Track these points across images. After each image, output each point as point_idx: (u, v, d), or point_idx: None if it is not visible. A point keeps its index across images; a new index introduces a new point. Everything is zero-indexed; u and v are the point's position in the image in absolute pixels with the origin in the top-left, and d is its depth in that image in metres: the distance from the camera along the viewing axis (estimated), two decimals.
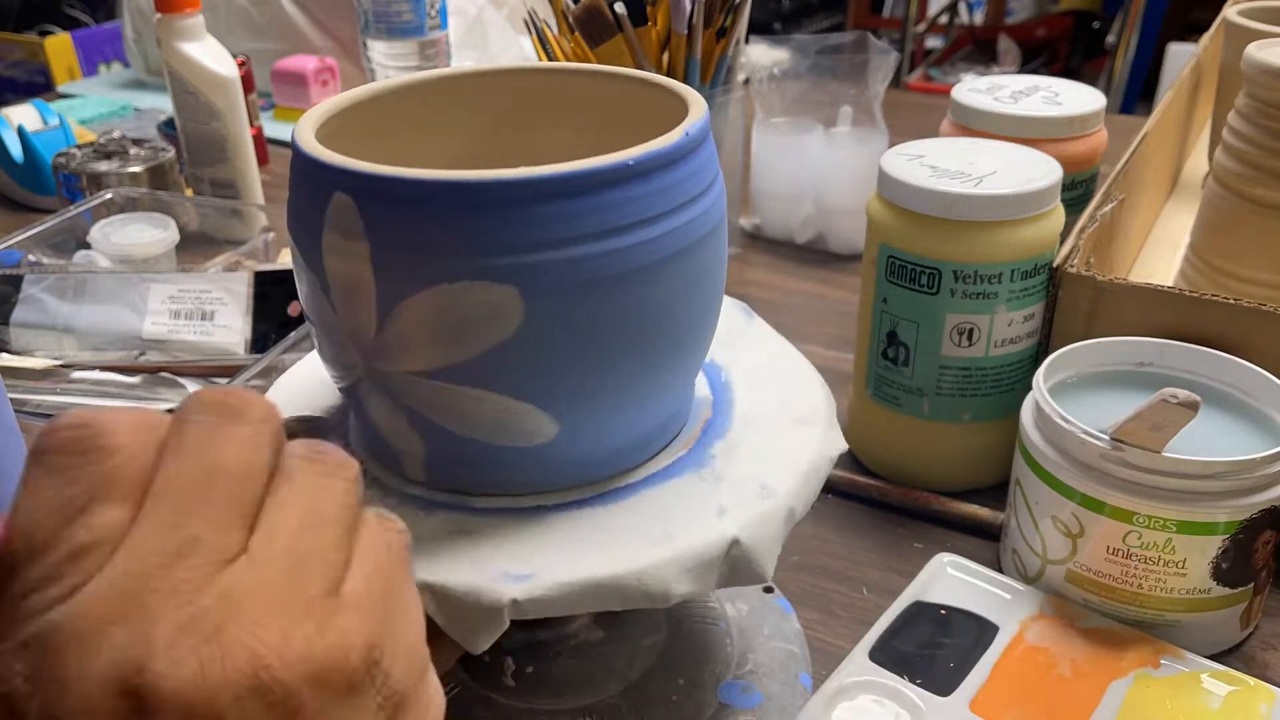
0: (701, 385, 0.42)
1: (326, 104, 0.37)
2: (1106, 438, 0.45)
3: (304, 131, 0.34)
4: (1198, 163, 0.98)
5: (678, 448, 0.38)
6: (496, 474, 0.36)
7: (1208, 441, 0.47)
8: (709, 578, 0.33)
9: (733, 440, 0.39)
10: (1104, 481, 0.45)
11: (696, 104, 0.35)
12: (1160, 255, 0.81)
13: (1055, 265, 0.53)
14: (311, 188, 0.33)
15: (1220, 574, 0.46)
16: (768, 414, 0.40)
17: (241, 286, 0.69)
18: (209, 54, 0.86)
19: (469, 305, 0.31)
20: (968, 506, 0.56)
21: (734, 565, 0.34)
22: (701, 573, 0.33)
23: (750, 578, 0.34)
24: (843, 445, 0.40)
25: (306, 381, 0.43)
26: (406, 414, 0.34)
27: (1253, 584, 0.47)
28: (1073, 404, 0.49)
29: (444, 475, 0.36)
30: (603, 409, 0.35)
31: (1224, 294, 0.52)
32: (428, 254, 0.31)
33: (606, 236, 0.31)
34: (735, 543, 0.34)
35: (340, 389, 0.37)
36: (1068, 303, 0.54)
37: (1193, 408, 0.42)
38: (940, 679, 0.44)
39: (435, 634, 0.33)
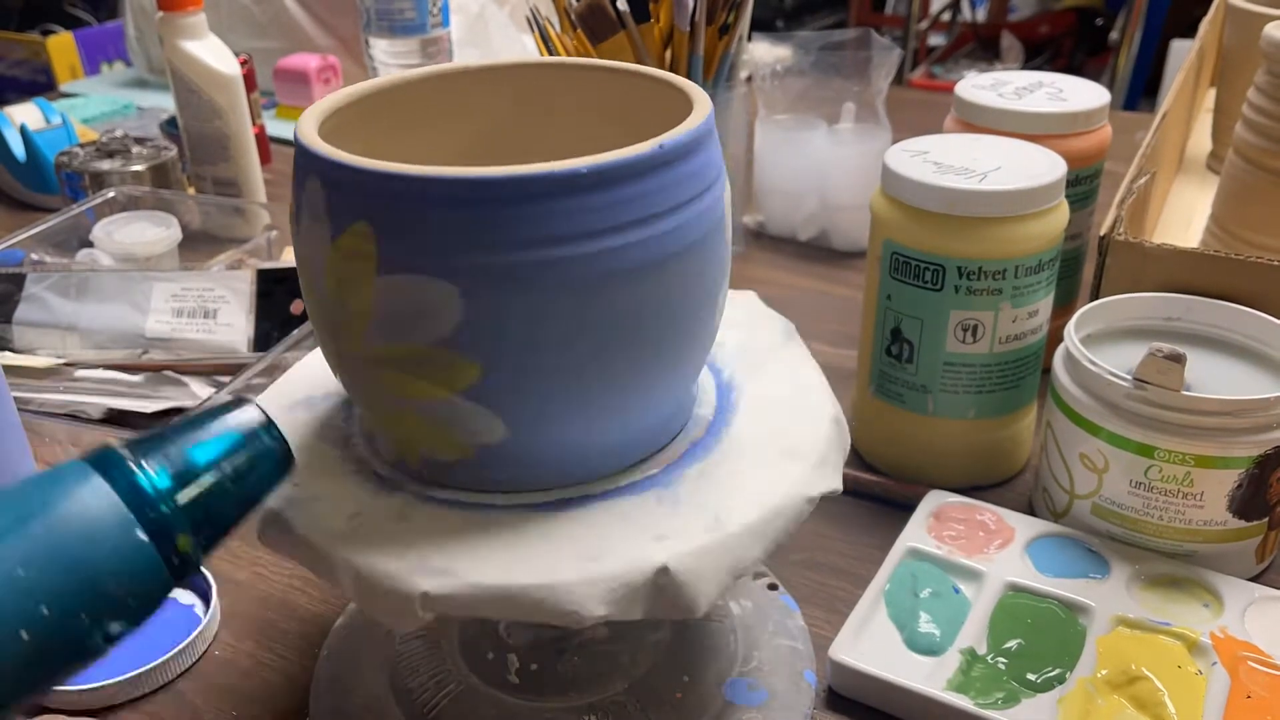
0: (708, 404, 0.41)
1: (330, 99, 0.37)
2: (1130, 378, 0.48)
3: (306, 118, 0.35)
4: (1200, 142, 1.01)
5: (652, 465, 0.37)
6: (454, 469, 0.36)
7: (1229, 387, 0.50)
8: (632, 603, 0.32)
9: (710, 465, 0.37)
10: (1127, 419, 0.48)
11: (701, 100, 0.35)
12: (1175, 227, 0.84)
13: (1103, 234, 0.56)
14: (296, 173, 0.34)
15: (1236, 507, 0.49)
16: (758, 444, 0.38)
17: (244, 285, 0.69)
18: (211, 52, 0.86)
19: (410, 299, 0.31)
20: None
21: (661, 594, 0.32)
22: (623, 597, 0.32)
23: (679, 609, 0.32)
24: (834, 485, 0.37)
25: (309, 377, 0.43)
26: (367, 398, 0.35)
27: (1267, 519, 0.50)
28: (1102, 353, 0.52)
29: (408, 462, 0.37)
30: (554, 415, 0.33)
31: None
32: (376, 244, 0.31)
33: (553, 244, 0.30)
34: (663, 571, 0.32)
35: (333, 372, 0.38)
36: (1115, 269, 0.56)
37: (1178, 359, 0.46)
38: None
39: None
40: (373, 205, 0.31)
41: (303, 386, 0.43)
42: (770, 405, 0.40)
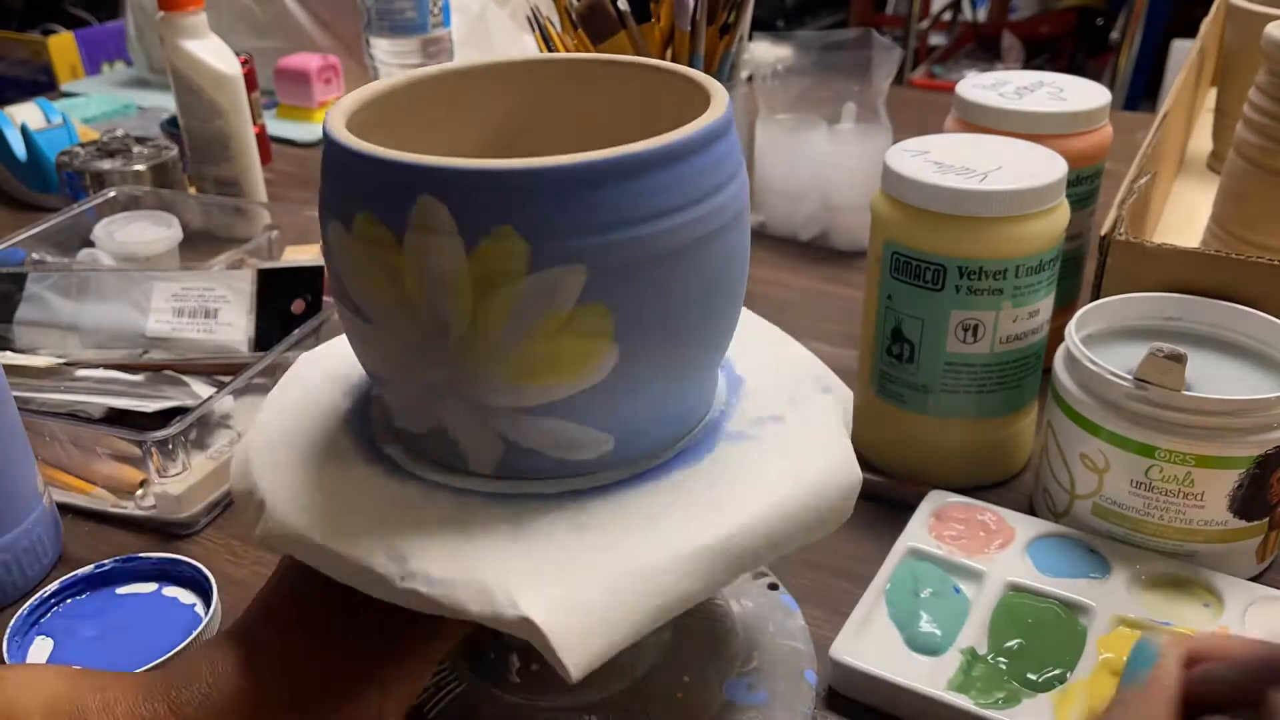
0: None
1: (350, 99, 0.36)
2: (1130, 378, 0.48)
3: (349, 134, 0.33)
4: (1201, 142, 1.02)
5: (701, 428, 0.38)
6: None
7: (1229, 387, 0.50)
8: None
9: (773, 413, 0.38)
10: (1128, 419, 0.48)
11: (718, 91, 0.35)
12: (1176, 227, 0.84)
13: (1104, 234, 0.56)
14: (385, 191, 0.31)
15: (1237, 507, 0.49)
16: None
17: (245, 284, 0.69)
18: (212, 52, 0.86)
19: (559, 288, 0.31)
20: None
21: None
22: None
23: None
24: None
25: (311, 379, 0.43)
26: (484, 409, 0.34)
27: (1268, 518, 0.50)
28: (1103, 353, 0.52)
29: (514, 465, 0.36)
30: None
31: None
32: (527, 241, 0.30)
33: (670, 214, 0.31)
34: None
35: (401, 396, 0.36)
36: (1116, 269, 0.56)
37: (1179, 359, 0.46)
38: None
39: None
40: (518, 204, 0.30)
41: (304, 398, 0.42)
42: (766, 370, 0.41)
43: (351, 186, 0.32)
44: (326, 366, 0.43)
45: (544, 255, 0.30)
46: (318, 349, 0.45)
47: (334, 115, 0.34)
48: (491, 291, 0.31)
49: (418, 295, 0.32)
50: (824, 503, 0.35)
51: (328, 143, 0.33)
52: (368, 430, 0.39)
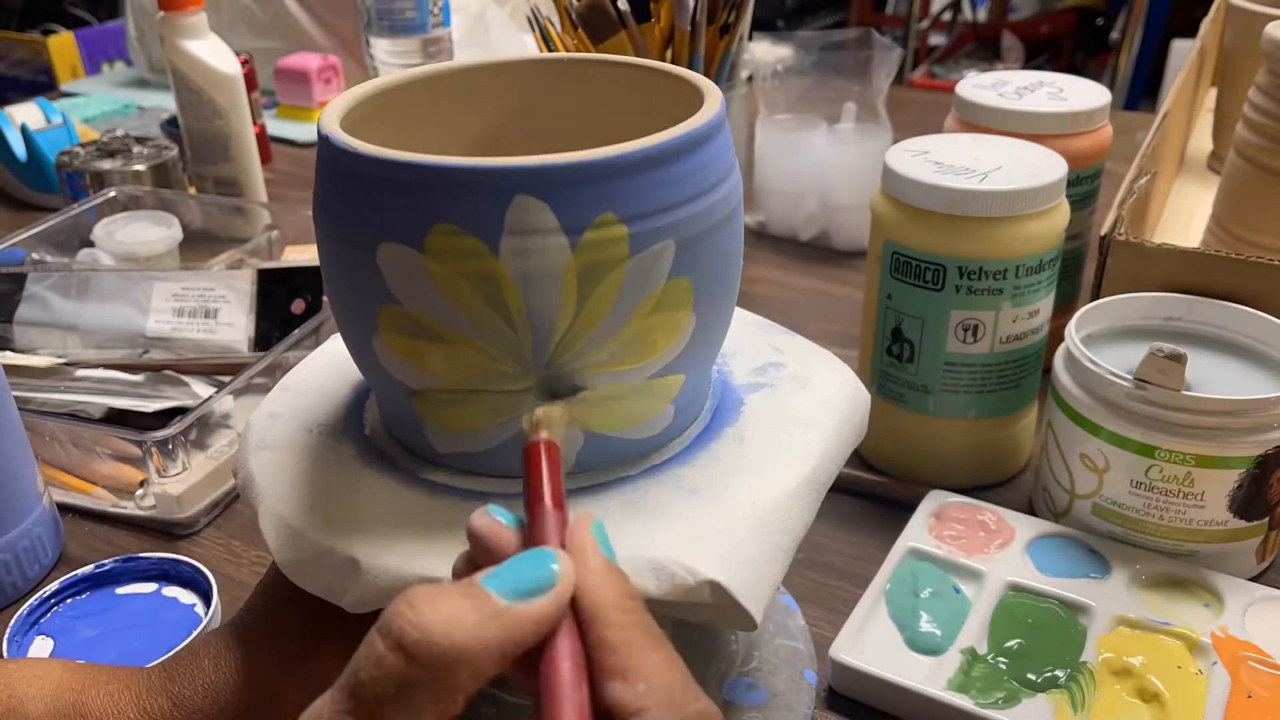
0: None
1: (345, 99, 0.36)
2: (1130, 378, 0.48)
3: (368, 146, 0.31)
4: (1201, 142, 1.01)
5: (707, 417, 0.39)
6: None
7: (1230, 387, 0.50)
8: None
9: (761, 400, 0.39)
10: (1128, 419, 0.48)
11: (710, 90, 0.35)
12: (1176, 227, 0.84)
13: (1104, 234, 0.56)
14: (471, 198, 0.30)
15: (1237, 507, 0.49)
16: (789, 380, 0.40)
17: (245, 284, 0.69)
18: (212, 52, 0.86)
19: (656, 266, 0.32)
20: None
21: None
22: None
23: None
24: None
25: (314, 379, 0.43)
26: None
27: (1268, 518, 0.50)
28: (1103, 353, 0.52)
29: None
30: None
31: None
32: (626, 225, 0.31)
33: (709, 191, 0.33)
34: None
35: (450, 410, 0.35)
36: (1116, 269, 0.56)
37: (1179, 359, 0.46)
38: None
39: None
40: (616, 191, 0.31)
41: (312, 396, 0.42)
42: (767, 352, 0.42)
43: (416, 201, 0.30)
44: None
45: (642, 237, 0.31)
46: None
47: (330, 118, 0.33)
48: (597, 282, 0.31)
49: (515, 301, 0.31)
50: (853, 418, 0.40)
51: (357, 159, 0.31)
52: (406, 458, 0.37)
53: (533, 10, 0.71)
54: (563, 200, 0.30)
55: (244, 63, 0.91)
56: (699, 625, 0.47)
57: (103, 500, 0.58)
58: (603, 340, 0.32)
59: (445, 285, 0.31)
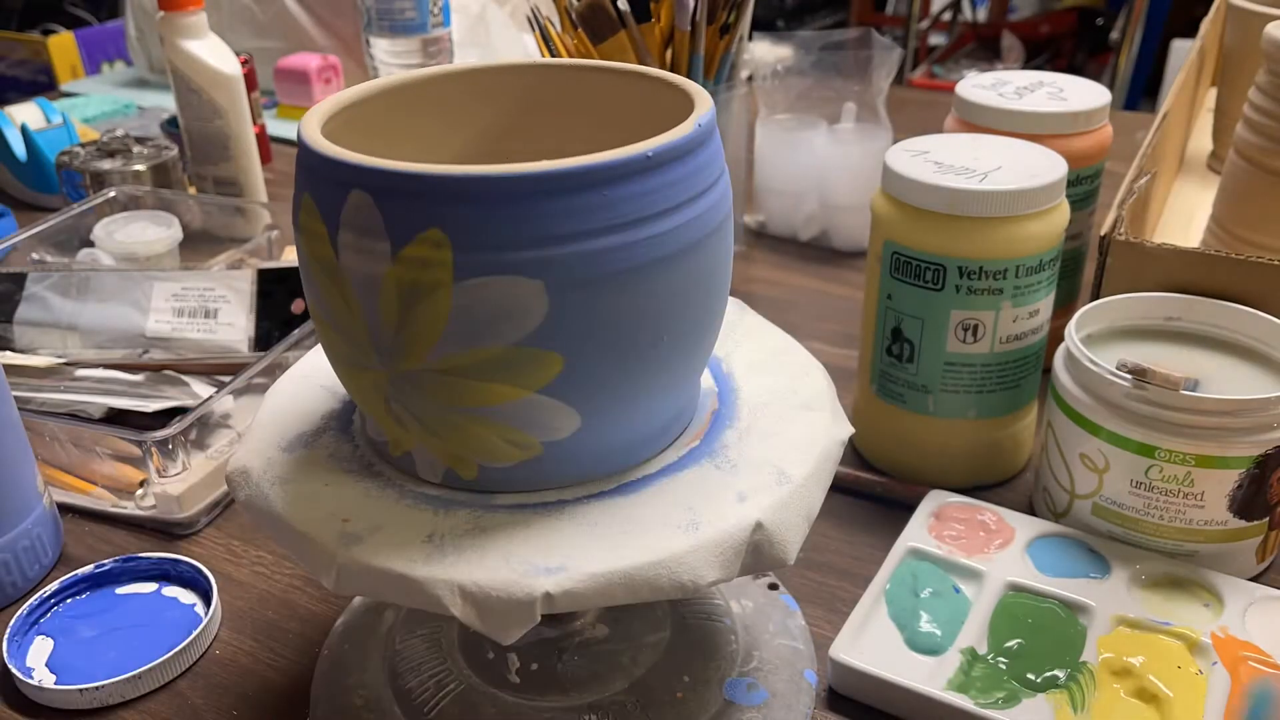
0: (706, 377, 0.42)
1: (331, 100, 0.36)
2: (1130, 378, 0.48)
3: (311, 129, 0.34)
4: (1200, 142, 1.02)
5: (689, 439, 0.38)
6: (515, 471, 0.35)
7: (1229, 387, 0.50)
8: (734, 563, 0.34)
9: (742, 428, 0.39)
10: (1128, 419, 0.48)
11: (702, 98, 0.35)
12: (1176, 227, 0.84)
13: (1104, 234, 0.56)
14: (324, 186, 0.32)
15: (1237, 507, 0.49)
16: (773, 402, 0.40)
17: (245, 284, 0.69)
18: (212, 52, 0.86)
19: (494, 300, 0.31)
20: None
21: (757, 550, 0.34)
22: (728, 559, 0.33)
23: (772, 562, 0.34)
24: (849, 429, 0.40)
25: (302, 384, 0.43)
26: (426, 413, 0.34)
27: (1268, 518, 0.50)
28: (1103, 353, 0.52)
29: (461, 475, 0.36)
30: (622, 401, 0.34)
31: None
32: (452, 249, 0.30)
33: (626, 228, 0.31)
34: (759, 527, 0.34)
35: (350, 392, 0.37)
36: (1116, 269, 0.56)
37: (1143, 374, 0.47)
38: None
39: None
40: (445, 211, 0.30)
41: (296, 404, 0.43)
42: (762, 369, 0.42)
43: (302, 175, 0.33)
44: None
45: (471, 265, 0.30)
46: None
47: (310, 116, 0.35)
48: (418, 299, 0.31)
49: (350, 294, 0.32)
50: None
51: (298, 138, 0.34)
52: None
53: (533, 10, 0.71)
54: (392, 207, 0.30)
55: (244, 63, 0.91)
56: (699, 625, 0.47)
57: (103, 500, 0.58)
58: (448, 358, 0.32)
59: (310, 264, 0.34)
